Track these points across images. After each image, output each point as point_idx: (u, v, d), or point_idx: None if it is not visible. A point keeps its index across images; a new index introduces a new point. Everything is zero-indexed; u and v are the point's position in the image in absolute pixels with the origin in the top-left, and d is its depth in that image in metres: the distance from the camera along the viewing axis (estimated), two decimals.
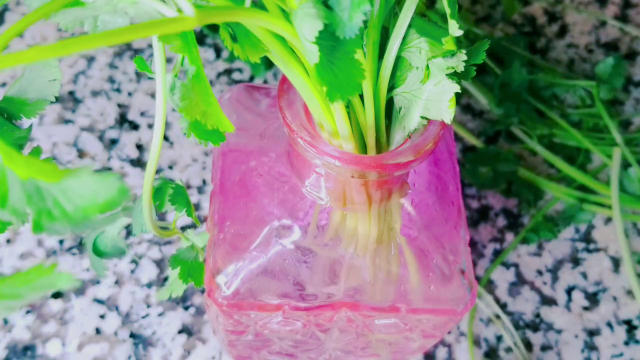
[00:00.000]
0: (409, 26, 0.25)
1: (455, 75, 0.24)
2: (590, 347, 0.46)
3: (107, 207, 0.16)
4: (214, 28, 0.55)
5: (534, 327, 0.46)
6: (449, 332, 0.45)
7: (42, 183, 0.16)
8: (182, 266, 0.31)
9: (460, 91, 0.25)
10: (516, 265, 0.48)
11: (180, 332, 0.44)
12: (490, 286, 0.47)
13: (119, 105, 0.52)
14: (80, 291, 0.45)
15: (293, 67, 0.24)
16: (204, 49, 0.55)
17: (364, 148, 0.27)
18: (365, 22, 0.22)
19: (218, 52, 0.55)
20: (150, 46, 0.55)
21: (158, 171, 0.50)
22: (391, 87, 0.26)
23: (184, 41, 0.21)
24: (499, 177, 0.50)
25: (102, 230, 0.30)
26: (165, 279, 0.45)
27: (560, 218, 0.50)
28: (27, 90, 0.23)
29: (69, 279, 0.18)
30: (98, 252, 0.30)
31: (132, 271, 0.46)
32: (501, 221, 0.50)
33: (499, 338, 0.46)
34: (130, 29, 0.17)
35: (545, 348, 0.45)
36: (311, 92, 0.25)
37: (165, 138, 0.51)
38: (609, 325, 0.47)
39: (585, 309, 0.47)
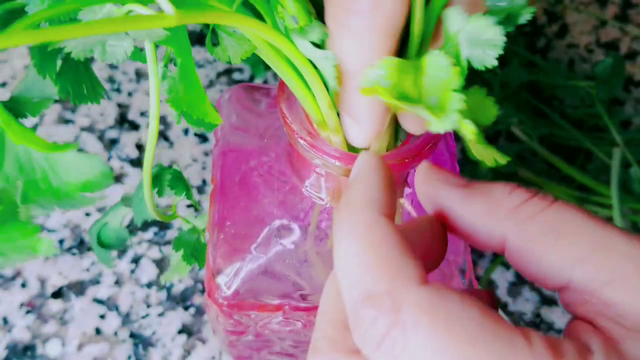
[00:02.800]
0: None
1: None
2: None
3: (89, 186, 0.17)
4: None
5: (534, 327, 0.46)
6: None
7: (35, 155, 0.17)
8: (185, 248, 0.32)
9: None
10: None
11: (180, 332, 0.44)
12: (490, 286, 0.47)
13: (119, 105, 0.52)
14: (80, 291, 0.45)
15: (279, 62, 0.24)
16: (204, 49, 0.55)
17: None
18: None
19: None
20: None
21: None
22: None
23: (172, 34, 0.21)
24: (499, 177, 0.50)
25: (104, 222, 0.31)
26: None
27: None
28: (31, 89, 0.24)
29: (49, 245, 0.19)
30: (102, 244, 0.31)
31: (132, 271, 0.46)
32: None
33: None
34: (111, 22, 0.17)
35: None
36: (296, 83, 0.25)
37: (165, 138, 0.51)
38: None
39: None
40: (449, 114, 0.20)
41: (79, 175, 0.17)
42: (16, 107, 0.23)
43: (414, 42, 0.23)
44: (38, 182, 0.18)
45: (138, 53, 0.24)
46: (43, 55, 0.22)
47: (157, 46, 0.23)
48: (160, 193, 0.30)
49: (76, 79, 0.23)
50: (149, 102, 0.24)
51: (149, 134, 0.24)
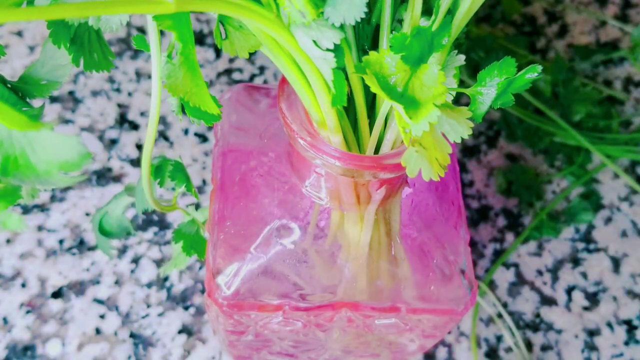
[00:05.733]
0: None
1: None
2: (590, 347, 0.46)
3: (66, 166, 0.18)
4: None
5: (534, 327, 0.46)
6: (449, 332, 0.45)
7: (14, 131, 0.18)
8: (184, 240, 0.32)
9: (464, 63, 0.25)
10: (516, 265, 0.48)
11: (180, 332, 0.44)
12: (490, 286, 0.47)
13: (119, 105, 0.52)
14: (80, 291, 0.45)
15: (282, 57, 0.24)
16: (204, 49, 0.55)
17: (355, 144, 0.27)
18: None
19: (218, 52, 0.55)
20: None
21: None
22: None
23: (175, 20, 0.21)
24: (499, 174, 0.50)
25: (107, 211, 0.31)
26: (165, 279, 0.45)
27: (566, 213, 0.50)
28: (42, 72, 0.24)
29: (19, 221, 0.19)
30: (104, 232, 0.31)
31: (132, 271, 0.46)
32: (501, 221, 0.50)
33: (499, 338, 0.46)
34: (108, 5, 0.17)
35: (545, 348, 0.45)
36: (297, 79, 0.25)
37: (165, 138, 0.51)
38: (609, 325, 0.47)
39: (585, 309, 0.47)
40: (423, 122, 0.21)
41: (56, 155, 0.18)
42: (24, 88, 0.24)
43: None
44: (17, 158, 0.18)
45: (142, 41, 0.24)
46: (58, 25, 0.23)
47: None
48: (161, 184, 0.30)
49: (88, 46, 0.24)
50: (151, 92, 0.24)
51: (150, 118, 0.24)
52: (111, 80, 0.53)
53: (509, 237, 0.49)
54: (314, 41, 0.23)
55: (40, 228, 0.47)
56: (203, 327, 0.44)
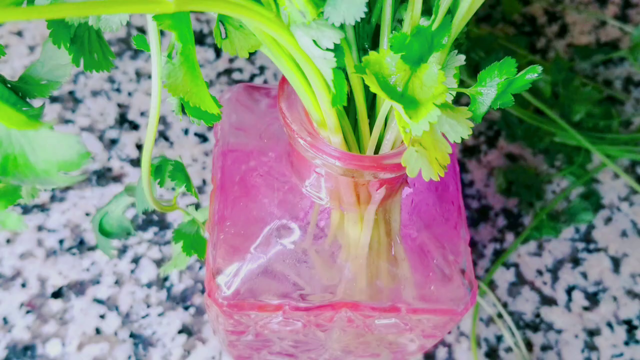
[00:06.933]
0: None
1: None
2: (590, 347, 0.46)
3: (66, 166, 0.18)
4: None
5: (534, 327, 0.46)
6: (449, 332, 0.45)
7: (14, 130, 0.18)
8: (184, 240, 0.32)
9: (464, 63, 0.25)
10: (516, 265, 0.48)
11: (180, 332, 0.44)
12: (490, 286, 0.47)
13: (119, 105, 0.52)
14: (80, 291, 0.45)
15: (282, 57, 0.24)
16: (204, 49, 0.55)
17: (355, 144, 0.27)
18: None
19: (218, 52, 0.55)
20: None
21: None
22: None
23: (175, 20, 0.21)
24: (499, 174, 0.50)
25: (107, 211, 0.31)
26: (165, 279, 0.45)
27: (566, 213, 0.50)
28: (42, 71, 0.25)
29: (19, 221, 0.19)
30: (104, 232, 0.31)
31: (132, 271, 0.46)
32: (501, 221, 0.50)
33: (499, 338, 0.46)
34: (107, 4, 0.17)
35: (545, 348, 0.45)
36: (297, 79, 0.25)
37: (166, 138, 0.51)
38: (609, 325, 0.47)
39: (585, 309, 0.47)
40: (423, 122, 0.21)
41: (55, 154, 0.18)
42: (24, 88, 0.24)
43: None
44: (16, 157, 0.18)
45: (143, 41, 0.24)
46: (58, 24, 0.23)
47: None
48: (161, 184, 0.30)
49: (88, 46, 0.24)
50: (151, 92, 0.24)
51: (150, 118, 0.24)
52: (111, 80, 0.53)
53: (509, 237, 0.49)
54: (314, 41, 0.23)
55: (40, 228, 0.47)
56: (203, 327, 0.44)
